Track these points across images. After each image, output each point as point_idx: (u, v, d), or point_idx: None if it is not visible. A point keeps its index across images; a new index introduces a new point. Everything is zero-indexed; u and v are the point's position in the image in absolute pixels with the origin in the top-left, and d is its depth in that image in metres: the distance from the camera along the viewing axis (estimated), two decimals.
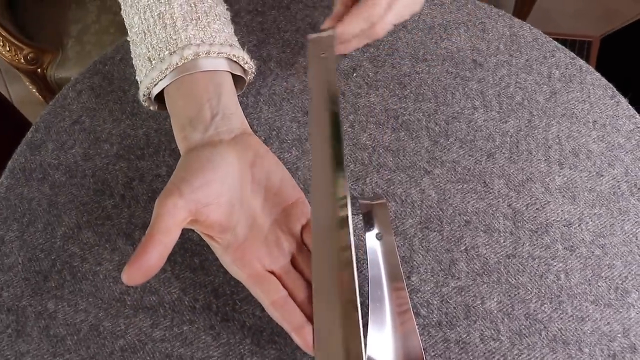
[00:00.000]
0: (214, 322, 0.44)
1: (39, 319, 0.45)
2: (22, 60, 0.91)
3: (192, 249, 0.47)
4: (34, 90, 1.01)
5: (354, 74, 0.56)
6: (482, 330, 0.44)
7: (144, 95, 0.45)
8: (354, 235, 0.47)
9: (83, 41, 0.96)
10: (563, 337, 0.44)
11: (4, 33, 0.89)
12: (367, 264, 0.42)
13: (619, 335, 0.44)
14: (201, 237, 0.47)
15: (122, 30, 0.46)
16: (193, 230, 0.47)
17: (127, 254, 0.47)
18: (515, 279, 0.46)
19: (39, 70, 0.93)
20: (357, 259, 0.46)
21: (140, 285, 0.45)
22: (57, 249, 0.47)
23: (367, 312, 0.41)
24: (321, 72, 0.45)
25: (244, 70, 0.48)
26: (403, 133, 0.52)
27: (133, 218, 0.48)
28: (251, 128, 0.52)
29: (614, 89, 0.56)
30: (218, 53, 0.44)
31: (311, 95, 0.44)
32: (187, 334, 0.44)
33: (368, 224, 0.43)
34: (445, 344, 0.43)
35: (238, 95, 0.53)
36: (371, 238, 0.43)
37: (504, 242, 0.47)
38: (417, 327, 0.41)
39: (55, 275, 0.46)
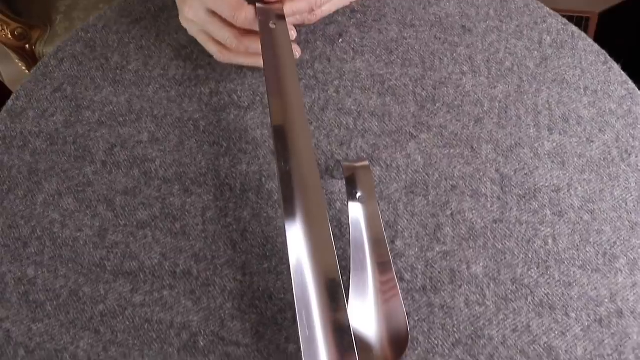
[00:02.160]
0: (194, 287, 0.43)
1: (18, 285, 0.44)
2: (10, 36, 0.90)
3: (173, 215, 0.46)
4: (24, 67, 1.00)
5: (340, 40, 0.55)
6: (467, 295, 0.43)
7: None
8: (338, 200, 0.46)
9: (72, 17, 0.94)
10: (550, 302, 0.43)
11: None
12: (350, 228, 0.42)
13: (606, 300, 0.43)
14: (182, 202, 0.46)
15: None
16: (174, 195, 0.47)
17: (107, 220, 0.46)
18: (502, 243, 0.45)
19: (27, 46, 0.92)
20: (340, 224, 0.45)
21: (120, 251, 0.45)
22: (37, 216, 0.47)
23: (350, 277, 0.40)
24: (275, 45, 0.46)
25: None
26: (389, 98, 0.51)
27: (114, 184, 0.48)
28: (235, 94, 0.51)
29: (607, 55, 0.55)
30: None
31: (265, 66, 0.45)
32: (167, 299, 0.43)
33: (350, 187, 0.43)
34: (429, 309, 0.42)
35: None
36: (354, 202, 0.42)
37: (491, 207, 0.46)
38: (400, 291, 0.41)
39: (35, 241, 0.46)
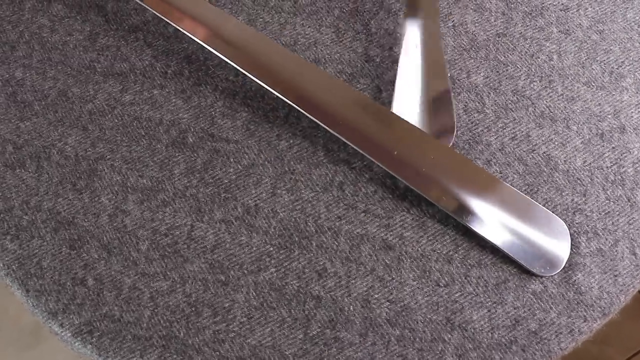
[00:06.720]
0: (185, 87, 0.42)
1: (5, 86, 0.43)
2: None
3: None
4: None
5: None
6: (466, 102, 0.42)
7: None
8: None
9: None
10: (551, 114, 0.42)
11: None
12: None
13: (609, 116, 0.42)
14: None
15: None
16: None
17: (98, 25, 0.45)
18: (504, 56, 0.43)
19: None
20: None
21: (111, 53, 0.43)
22: (25, 21, 0.45)
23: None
24: None
25: None
26: None
27: None
28: None
29: None
30: None
31: None
32: (157, 98, 0.42)
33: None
34: None
35: None
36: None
37: (494, 21, 0.44)
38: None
39: (24, 45, 0.44)
